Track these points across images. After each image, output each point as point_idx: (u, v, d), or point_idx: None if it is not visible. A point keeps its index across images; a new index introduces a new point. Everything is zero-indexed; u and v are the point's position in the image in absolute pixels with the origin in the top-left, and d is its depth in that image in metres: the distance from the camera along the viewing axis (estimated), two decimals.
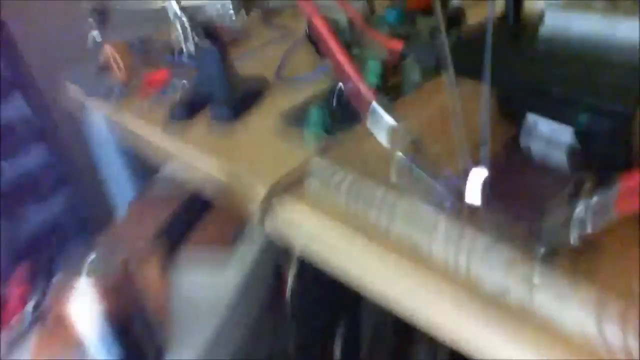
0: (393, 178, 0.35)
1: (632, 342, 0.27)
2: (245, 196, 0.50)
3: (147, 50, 0.77)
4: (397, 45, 0.38)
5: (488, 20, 0.33)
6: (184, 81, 0.69)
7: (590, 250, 0.31)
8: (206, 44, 0.60)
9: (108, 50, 0.70)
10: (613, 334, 0.27)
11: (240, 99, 0.62)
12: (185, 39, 0.59)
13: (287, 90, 0.65)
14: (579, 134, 0.35)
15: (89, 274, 0.47)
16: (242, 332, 0.59)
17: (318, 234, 0.43)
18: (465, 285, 0.33)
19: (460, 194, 0.35)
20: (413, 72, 0.56)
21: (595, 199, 0.27)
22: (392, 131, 0.35)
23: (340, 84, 0.57)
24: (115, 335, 0.47)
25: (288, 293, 0.54)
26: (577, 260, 0.30)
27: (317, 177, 0.45)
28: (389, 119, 0.35)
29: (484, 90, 0.33)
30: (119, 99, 0.70)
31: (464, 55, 0.42)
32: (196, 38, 0.59)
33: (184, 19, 0.58)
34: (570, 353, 0.29)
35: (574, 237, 0.30)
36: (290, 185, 0.47)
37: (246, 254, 0.61)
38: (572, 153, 0.36)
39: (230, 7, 0.56)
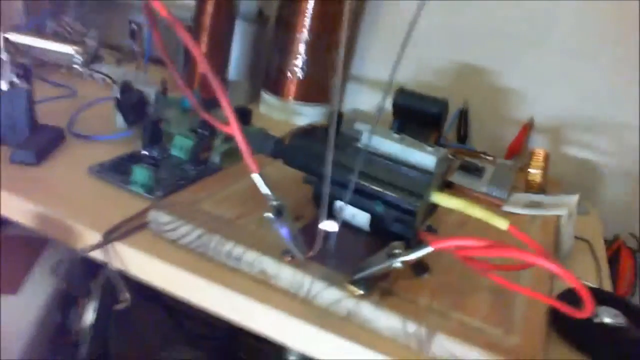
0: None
1: (425, 335, 0.42)
2: (69, 237, 0.52)
3: None
4: (231, 129, 0.48)
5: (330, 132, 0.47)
6: None
7: (392, 291, 0.46)
8: (19, 83, 0.60)
9: None
10: (412, 329, 0.43)
11: (42, 145, 0.62)
12: (4, 74, 0.57)
13: (85, 146, 0.67)
14: (375, 219, 0.52)
15: None
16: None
17: (163, 273, 0.49)
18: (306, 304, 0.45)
19: (302, 248, 0.47)
20: (224, 151, 0.67)
21: (411, 255, 0.42)
22: (268, 194, 0.45)
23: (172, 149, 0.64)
24: None
25: (85, 324, 0.54)
26: (387, 295, 0.45)
27: (160, 228, 0.51)
28: (264, 188, 0.45)
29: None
30: None
31: (296, 151, 0.55)
32: (13, 77, 0.58)
33: (5, 56, 0.57)
34: (383, 345, 0.43)
35: (389, 281, 0.45)
36: (128, 233, 0.51)
37: (42, 281, 0.60)
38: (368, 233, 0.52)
39: (79, 61, 0.58)
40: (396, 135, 0.52)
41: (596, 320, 0.51)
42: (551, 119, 0.94)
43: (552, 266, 0.36)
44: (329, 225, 0.45)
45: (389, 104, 0.75)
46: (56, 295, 0.62)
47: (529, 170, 0.73)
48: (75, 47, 0.58)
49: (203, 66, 0.45)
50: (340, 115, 0.55)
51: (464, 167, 0.77)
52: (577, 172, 0.93)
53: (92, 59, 0.61)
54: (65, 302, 0.63)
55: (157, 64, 0.97)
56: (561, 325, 0.51)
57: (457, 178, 0.74)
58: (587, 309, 0.36)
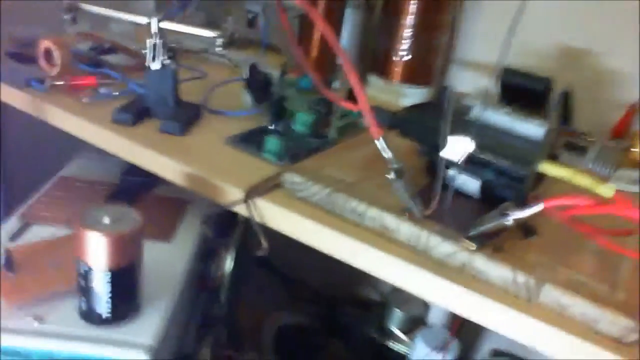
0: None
1: (533, 286, 0.47)
2: (215, 194, 0.61)
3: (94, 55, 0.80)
4: (352, 105, 0.54)
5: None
6: (116, 93, 0.76)
7: (503, 248, 0.51)
8: (167, 62, 0.69)
9: (46, 43, 0.72)
10: (522, 280, 0.47)
11: (185, 118, 0.71)
12: (155, 57, 0.67)
13: (219, 120, 0.76)
14: (485, 186, 0.57)
15: (104, 230, 0.52)
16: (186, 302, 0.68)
17: (296, 225, 0.56)
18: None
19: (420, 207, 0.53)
20: (341, 127, 0.74)
21: (524, 212, 0.47)
22: (387, 159, 0.51)
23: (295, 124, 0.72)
24: (115, 278, 0.55)
25: (225, 272, 0.63)
26: (498, 250, 0.50)
27: (292, 187, 0.58)
28: (387, 152, 0.51)
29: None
30: (44, 92, 0.73)
31: (411, 122, 0.61)
32: (164, 58, 0.68)
33: (159, 40, 0.66)
34: (494, 293, 0.48)
35: (500, 239, 0.50)
36: (265, 191, 0.59)
37: (190, 233, 0.70)
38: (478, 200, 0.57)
39: (220, 43, 0.67)
40: (505, 109, 0.56)
41: None
42: None
43: None
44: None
45: (492, 86, 0.79)
46: (200, 245, 0.72)
47: (633, 149, 0.74)
48: (217, 32, 0.67)
49: (338, 51, 0.51)
50: (450, 92, 0.60)
51: (568, 145, 0.80)
52: None
53: (230, 42, 0.69)
54: (208, 252, 0.72)
55: (271, 50, 1.05)
56: None
57: (561, 156, 0.77)
58: None
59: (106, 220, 0.54)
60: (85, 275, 0.55)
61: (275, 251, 0.60)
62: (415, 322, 1.01)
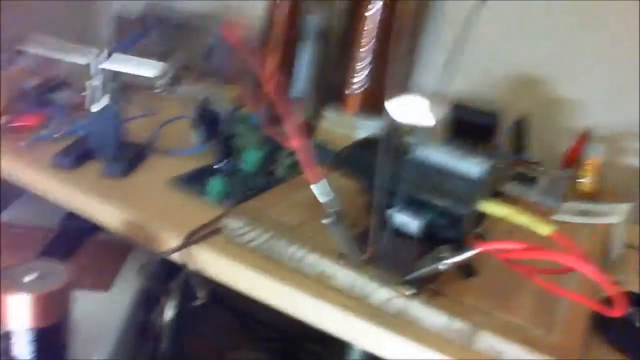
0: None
1: (469, 332, 0.46)
2: (151, 241, 0.59)
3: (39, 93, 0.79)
4: (296, 143, 0.54)
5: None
6: (58, 134, 0.74)
7: (441, 292, 0.50)
8: (111, 104, 0.68)
9: None
10: (458, 327, 0.47)
11: (129, 159, 0.70)
12: (96, 98, 0.66)
13: (165, 159, 0.75)
14: (425, 226, 0.56)
15: (28, 290, 0.49)
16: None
17: (233, 273, 0.55)
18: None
19: (358, 252, 0.52)
20: (289, 164, 0.73)
21: (457, 257, 0.47)
22: (327, 202, 0.50)
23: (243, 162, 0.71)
24: (38, 338, 0.52)
25: (167, 319, 0.60)
26: (436, 295, 0.50)
27: (231, 233, 0.57)
28: (323, 197, 0.50)
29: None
30: None
31: (353, 162, 0.60)
32: (107, 98, 0.66)
33: (99, 82, 0.65)
34: (430, 340, 0.47)
35: (438, 283, 0.49)
36: (203, 237, 0.58)
37: (130, 281, 0.68)
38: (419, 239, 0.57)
39: (160, 84, 0.66)
40: (446, 147, 0.56)
41: (638, 324, 0.53)
42: (611, 128, 0.94)
43: (585, 267, 0.40)
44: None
45: (443, 116, 0.79)
46: (141, 293, 0.70)
47: (582, 179, 0.75)
48: (159, 70, 0.66)
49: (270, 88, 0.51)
50: (394, 129, 0.60)
51: (518, 177, 0.80)
52: (636, 181, 0.93)
53: (172, 82, 0.68)
54: (149, 301, 0.70)
55: (229, 82, 1.05)
56: (603, 329, 0.53)
57: (510, 187, 0.77)
58: (619, 308, 0.39)
59: (28, 278, 0.51)
60: (3, 338, 0.52)
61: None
62: (376, 357, 1.00)
